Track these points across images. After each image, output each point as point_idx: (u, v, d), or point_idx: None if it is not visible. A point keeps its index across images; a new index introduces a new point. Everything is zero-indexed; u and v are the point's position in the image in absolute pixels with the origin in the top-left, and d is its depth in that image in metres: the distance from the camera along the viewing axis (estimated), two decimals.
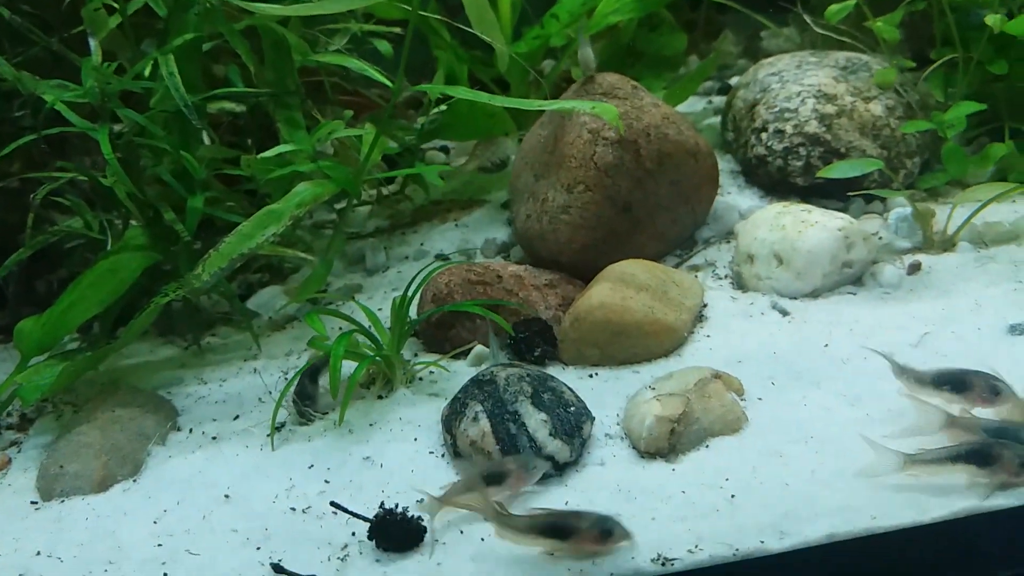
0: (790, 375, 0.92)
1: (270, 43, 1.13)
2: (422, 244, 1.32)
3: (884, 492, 0.76)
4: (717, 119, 1.46)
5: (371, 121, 1.22)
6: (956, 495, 0.75)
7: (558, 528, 0.74)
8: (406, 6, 1.18)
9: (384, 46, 1.33)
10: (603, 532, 0.73)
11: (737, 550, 0.72)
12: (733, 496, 0.78)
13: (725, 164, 1.34)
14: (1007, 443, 0.75)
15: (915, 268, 1.06)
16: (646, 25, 1.58)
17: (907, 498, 0.75)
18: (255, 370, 1.10)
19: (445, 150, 1.61)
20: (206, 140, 1.14)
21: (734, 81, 1.59)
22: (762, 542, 0.73)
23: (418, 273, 1.04)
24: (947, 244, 1.09)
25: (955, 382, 0.82)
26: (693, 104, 1.58)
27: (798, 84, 1.23)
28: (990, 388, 0.80)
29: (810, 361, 0.94)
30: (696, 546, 0.73)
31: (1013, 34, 1.15)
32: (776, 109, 1.23)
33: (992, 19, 1.15)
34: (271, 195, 1.13)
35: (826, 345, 0.95)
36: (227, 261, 1.00)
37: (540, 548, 0.75)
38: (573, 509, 0.78)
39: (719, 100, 1.58)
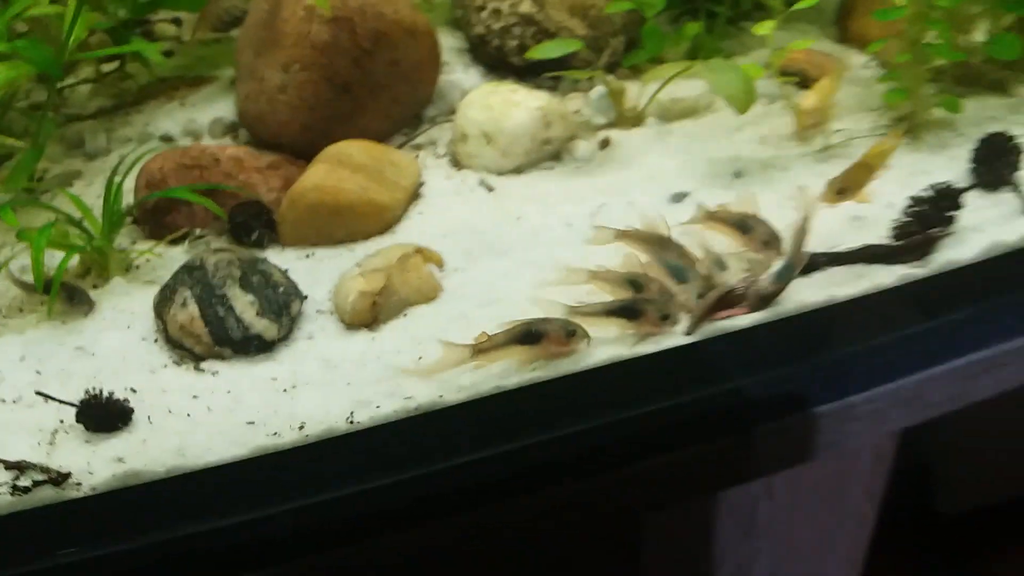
0: (485, 246, 1.02)
1: None
2: (147, 125, 1.29)
3: None
4: None
5: None
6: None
7: (531, 334, 0.83)
8: None
9: None
10: (568, 333, 0.84)
11: (416, 404, 0.83)
12: (420, 358, 0.88)
13: (455, 42, 1.39)
14: (651, 298, 0.89)
15: (605, 143, 1.17)
16: None
17: None
18: None
19: (177, 22, 1.55)
20: None
21: None
22: (440, 396, 0.84)
23: (129, 158, 1.04)
24: (637, 120, 1.22)
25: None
26: None
27: None
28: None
29: (504, 233, 1.04)
30: (378, 405, 0.82)
31: None
32: None
33: None
34: None
35: (519, 218, 1.06)
36: None
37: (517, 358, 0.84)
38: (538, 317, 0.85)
39: None
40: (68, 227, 1.01)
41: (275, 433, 0.82)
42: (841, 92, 1.26)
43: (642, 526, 1.08)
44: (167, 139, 1.26)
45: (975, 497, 2.28)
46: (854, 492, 1.47)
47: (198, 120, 1.28)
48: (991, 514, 2.30)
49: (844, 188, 0.97)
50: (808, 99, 1.15)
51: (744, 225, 0.96)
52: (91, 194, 1.14)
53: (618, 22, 1.30)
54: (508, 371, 0.86)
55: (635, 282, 0.90)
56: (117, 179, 1.04)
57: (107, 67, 1.32)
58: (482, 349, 0.84)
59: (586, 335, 0.86)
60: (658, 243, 0.94)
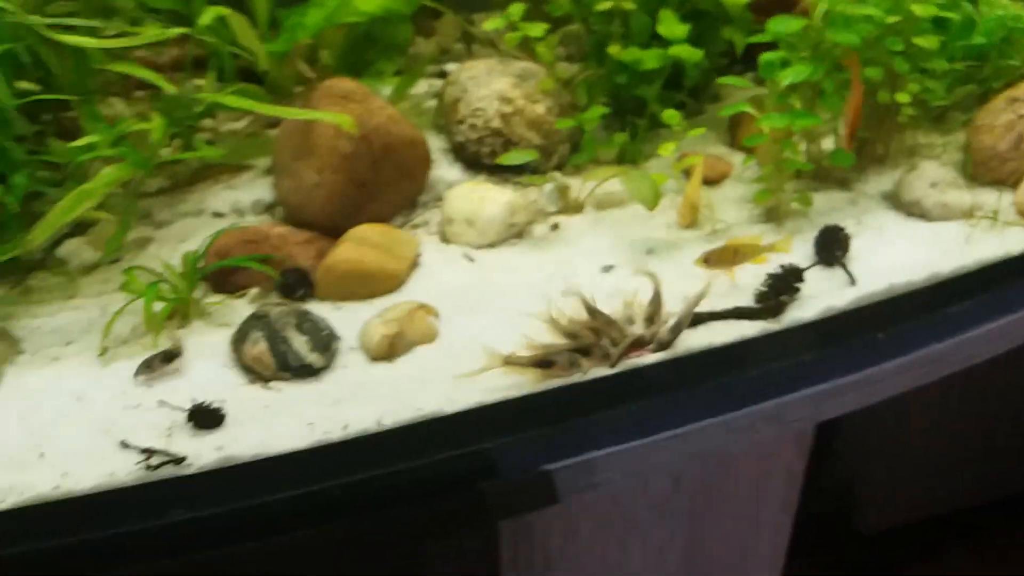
0: (468, 303, 1.38)
1: (71, 50, 1.41)
2: (200, 203, 1.64)
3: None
4: (434, 101, 1.90)
5: (158, 111, 1.53)
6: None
7: (545, 361, 1.19)
8: None
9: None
10: (571, 363, 1.20)
11: (425, 413, 1.20)
12: (425, 382, 1.25)
13: (440, 143, 1.77)
14: (562, 352, 1.26)
15: (555, 227, 1.56)
16: (381, 18, 1.96)
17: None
18: (75, 307, 1.41)
19: (212, 115, 1.92)
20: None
21: (450, 66, 2.02)
22: (441, 408, 1.21)
23: (208, 237, 1.42)
24: (578, 208, 1.61)
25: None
26: (418, 85, 2.00)
27: (487, 88, 1.68)
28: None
29: (483, 293, 1.40)
30: (398, 412, 1.19)
31: (626, 60, 1.67)
32: (471, 107, 1.68)
33: (612, 48, 1.67)
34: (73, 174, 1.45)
35: (493, 282, 1.43)
36: (53, 230, 1.33)
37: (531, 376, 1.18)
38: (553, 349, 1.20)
39: (438, 83, 2.00)
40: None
41: (326, 432, 1.19)
42: (729, 189, 1.69)
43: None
44: (218, 215, 1.62)
45: (892, 517, 2.65)
46: (769, 502, 1.83)
47: (241, 200, 1.64)
48: (906, 534, 2.68)
49: (708, 259, 1.37)
50: (684, 200, 1.54)
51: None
52: (163, 256, 1.48)
53: (564, 132, 1.71)
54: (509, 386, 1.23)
55: (573, 333, 1.26)
56: (197, 250, 1.41)
57: (170, 157, 1.68)
58: (511, 362, 1.20)
59: (583, 367, 1.23)
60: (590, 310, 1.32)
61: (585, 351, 1.26)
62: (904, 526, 2.64)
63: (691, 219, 1.54)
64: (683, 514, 1.62)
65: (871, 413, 1.43)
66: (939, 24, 1.63)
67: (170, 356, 1.27)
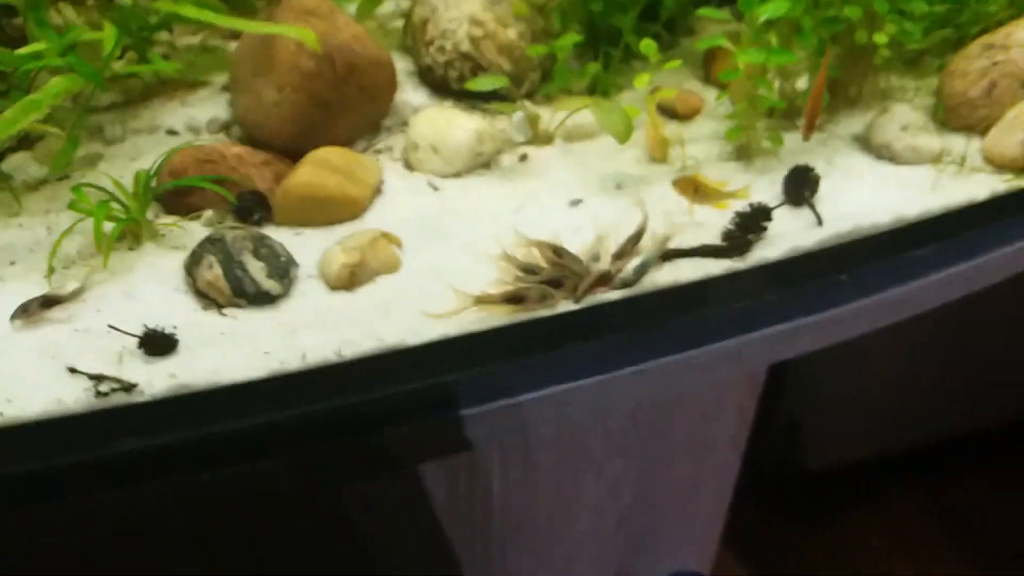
0: (432, 233, 1.35)
1: None
2: (153, 120, 1.57)
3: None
4: (402, 22, 1.82)
5: (110, 20, 1.44)
6: None
7: (516, 297, 1.16)
8: None
9: None
10: (542, 296, 1.18)
11: (386, 344, 1.18)
12: (387, 313, 1.23)
13: (405, 65, 1.72)
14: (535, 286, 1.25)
15: (523, 157, 1.53)
16: None
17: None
18: (20, 224, 1.36)
19: (169, 29, 1.83)
20: None
21: None
22: (404, 339, 1.19)
23: (161, 155, 1.35)
24: (547, 140, 1.58)
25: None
26: (385, 4, 1.92)
27: (457, 9, 1.62)
28: None
29: (446, 223, 1.38)
30: (359, 343, 1.17)
31: None
32: (440, 28, 1.61)
33: None
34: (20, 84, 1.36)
35: (458, 212, 1.40)
36: None
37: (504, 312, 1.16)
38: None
39: (406, 2, 1.93)
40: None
41: (283, 361, 1.16)
42: (702, 124, 1.67)
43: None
44: (172, 132, 1.56)
45: (839, 457, 2.73)
46: (720, 440, 1.86)
47: (197, 118, 1.58)
48: (850, 472, 2.76)
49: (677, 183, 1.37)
50: (648, 135, 1.51)
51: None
52: (114, 174, 1.42)
53: (535, 59, 1.66)
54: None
55: (531, 269, 1.23)
56: (149, 169, 1.35)
57: (124, 69, 1.60)
58: (483, 300, 1.18)
59: (554, 299, 1.21)
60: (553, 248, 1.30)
61: (555, 284, 1.24)
62: (846, 466, 2.71)
63: (661, 154, 1.51)
64: (638, 449, 1.64)
65: (821, 354, 1.44)
66: None
67: (50, 302, 1.18)
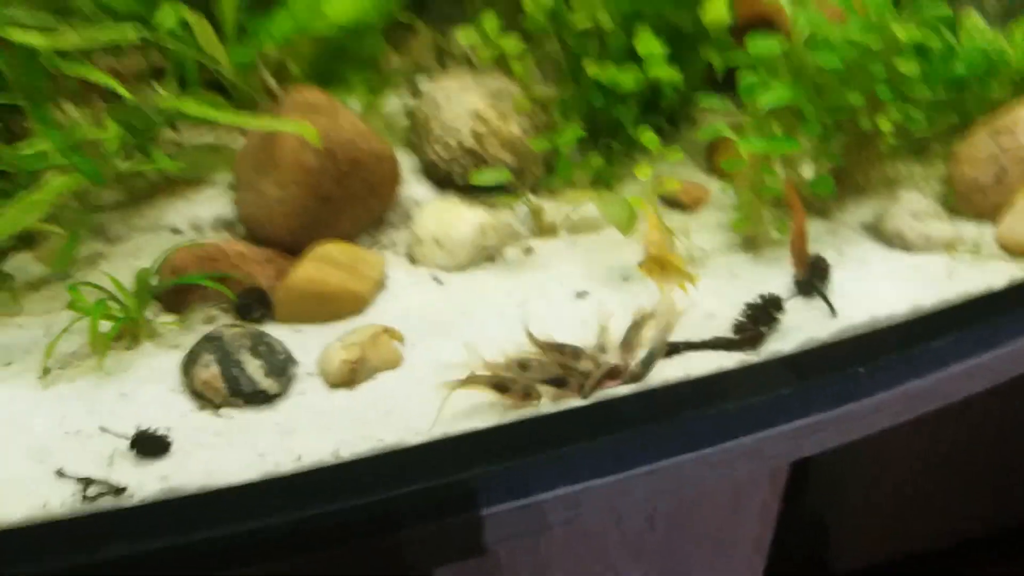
0: (436, 327, 1.32)
1: (23, 51, 1.34)
2: (157, 218, 1.57)
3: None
4: (407, 119, 1.84)
5: (112, 116, 1.46)
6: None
7: (501, 385, 1.14)
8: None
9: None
10: (525, 393, 1.15)
11: (386, 444, 1.13)
12: (388, 411, 1.19)
13: (411, 162, 1.72)
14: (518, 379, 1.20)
15: (528, 250, 1.51)
16: (352, 29, 1.91)
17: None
18: (19, 325, 1.33)
19: (175, 127, 1.85)
20: None
21: (422, 83, 1.97)
22: (404, 439, 1.15)
23: (154, 249, 1.34)
24: (552, 232, 1.56)
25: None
26: (390, 101, 1.95)
27: (460, 106, 1.63)
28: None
29: (450, 317, 1.35)
30: (356, 444, 1.12)
31: (602, 80, 1.63)
32: (444, 125, 1.62)
33: (588, 66, 1.63)
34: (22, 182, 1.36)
35: (462, 306, 1.38)
36: None
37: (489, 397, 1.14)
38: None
39: (411, 100, 1.95)
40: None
41: (278, 463, 1.11)
42: (707, 215, 1.65)
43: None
44: (175, 231, 1.55)
45: (866, 556, 2.61)
46: (742, 541, 1.78)
47: (200, 216, 1.57)
48: (881, 572, 2.64)
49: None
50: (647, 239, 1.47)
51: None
52: (115, 272, 1.39)
53: (539, 154, 1.66)
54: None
55: (525, 364, 1.19)
56: (149, 268, 1.33)
57: (127, 168, 1.61)
58: (470, 381, 1.15)
59: (539, 396, 1.17)
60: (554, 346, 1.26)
61: (559, 382, 1.20)
62: (877, 565, 2.60)
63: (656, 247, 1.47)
64: (657, 552, 1.56)
65: (845, 449, 1.38)
66: (920, 53, 1.60)
67: None
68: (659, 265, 1.33)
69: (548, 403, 1.20)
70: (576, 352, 1.22)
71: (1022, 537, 2.69)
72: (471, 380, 1.16)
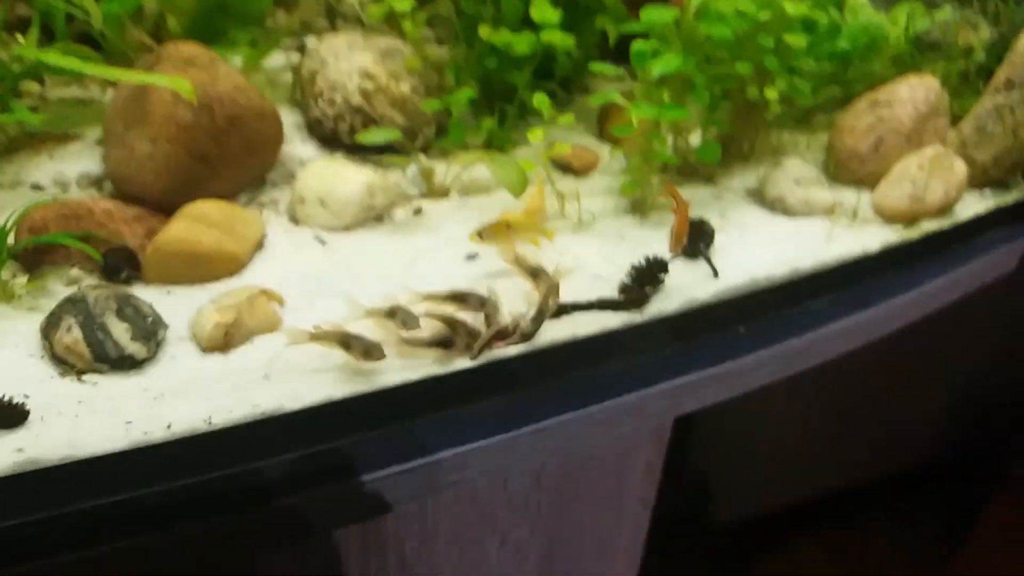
0: (318, 289, 1.28)
1: None
2: (17, 174, 1.46)
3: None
4: (291, 75, 1.77)
5: None
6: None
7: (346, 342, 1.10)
8: None
9: None
10: (366, 351, 1.12)
11: (263, 410, 1.09)
12: (266, 376, 1.14)
13: (294, 118, 1.66)
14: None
15: (418, 211, 1.48)
16: None
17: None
18: None
19: (40, 80, 1.73)
20: None
21: (310, 41, 1.90)
22: (283, 404, 1.11)
23: (16, 210, 1.24)
24: (443, 193, 1.53)
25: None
26: (275, 59, 1.87)
27: (348, 62, 1.58)
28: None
29: (334, 279, 1.31)
30: (231, 411, 1.08)
31: (496, 43, 1.60)
32: (330, 81, 1.57)
33: (482, 29, 1.60)
34: None
35: (346, 268, 1.33)
36: None
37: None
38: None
39: (297, 57, 1.88)
40: None
41: (147, 432, 1.06)
42: (597, 179, 1.65)
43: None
44: (37, 187, 1.45)
45: (746, 509, 2.70)
46: (629, 498, 1.80)
47: (66, 172, 1.47)
48: (759, 525, 2.73)
49: (482, 233, 1.32)
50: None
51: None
52: None
53: (430, 114, 1.63)
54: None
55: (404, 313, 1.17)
56: (3, 224, 1.24)
57: None
58: (317, 336, 1.12)
59: (383, 355, 1.15)
60: (455, 297, 1.25)
61: (445, 342, 1.18)
62: (757, 518, 2.70)
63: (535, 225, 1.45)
64: (543, 511, 1.57)
65: (724, 407, 1.41)
66: (807, 27, 1.64)
67: None
68: (501, 229, 1.31)
69: (434, 364, 1.18)
70: (471, 299, 1.20)
71: (893, 488, 2.84)
72: (318, 335, 1.14)
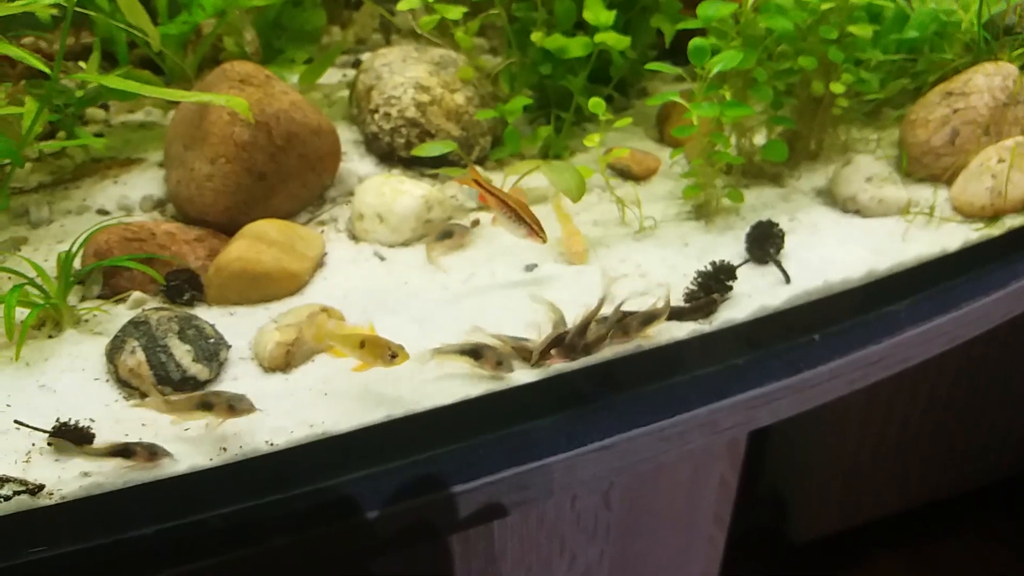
0: (378, 306, 1.26)
1: None
2: (84, 200, 1.49)
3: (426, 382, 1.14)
4: (347, 92, 1.77)
5: (31, 94, 1.37)
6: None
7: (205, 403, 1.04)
8: None
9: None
10: (231, 406, 1.04)
11: (322, 432, 1.07)
12: (326, 394, 1.13)
13: (351, 135, 1.66)
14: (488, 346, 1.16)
15: (475, 224, 1.46)
16: (290, 2, 1.83)
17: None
18: None
19: (105, 107, 1.76)
20: None
21: (365, 56, 1.90)
22: (339, 423, 1.09)
23: (76, 231, 1.26)
24: None
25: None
26: (331, 75, 1.88)
27: (402, 76, 1.57)
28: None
29: (394, 294, 1.29)
30: (292, 431, 1.07)
31: (549, 48, 1.57)
32: (385, 95, 1.56)
33: (535, 35, 1.57)
34: None
35: (406, 283, 1.32)
36: None
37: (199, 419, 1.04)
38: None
39: (352, 73, 1.88)
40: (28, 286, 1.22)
41: (210, 457, 1.06)
42: (658, 184, 1.61)
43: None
44: (103, 212, 1.47)
45: (824, 526, 2.61)
46: (702, 515, 1.75)
47: (130, 196, 1.50)
48: (838, 541, 2.65)
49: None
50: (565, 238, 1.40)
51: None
52: (38, 258, 1.33)
53: (485, 124, 1.61)
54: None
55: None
56: (70, 249, 1.25)
57: (46, 146, 1.52)
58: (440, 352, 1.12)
59: (511, 368, 1.13)
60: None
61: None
62: (836, 534, 2.61)
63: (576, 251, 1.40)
64: (613, 531, 1.52)
65: (801, 420, 1.35)
66: (872, 17, 1.57)
67: None
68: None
69: (498, 382, 1.15)
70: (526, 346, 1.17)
71: (977, 501, 2.72)
72: (442, 352, 1.13)
